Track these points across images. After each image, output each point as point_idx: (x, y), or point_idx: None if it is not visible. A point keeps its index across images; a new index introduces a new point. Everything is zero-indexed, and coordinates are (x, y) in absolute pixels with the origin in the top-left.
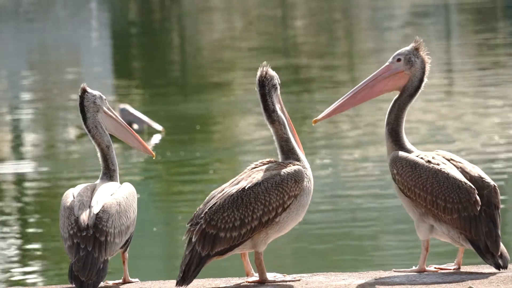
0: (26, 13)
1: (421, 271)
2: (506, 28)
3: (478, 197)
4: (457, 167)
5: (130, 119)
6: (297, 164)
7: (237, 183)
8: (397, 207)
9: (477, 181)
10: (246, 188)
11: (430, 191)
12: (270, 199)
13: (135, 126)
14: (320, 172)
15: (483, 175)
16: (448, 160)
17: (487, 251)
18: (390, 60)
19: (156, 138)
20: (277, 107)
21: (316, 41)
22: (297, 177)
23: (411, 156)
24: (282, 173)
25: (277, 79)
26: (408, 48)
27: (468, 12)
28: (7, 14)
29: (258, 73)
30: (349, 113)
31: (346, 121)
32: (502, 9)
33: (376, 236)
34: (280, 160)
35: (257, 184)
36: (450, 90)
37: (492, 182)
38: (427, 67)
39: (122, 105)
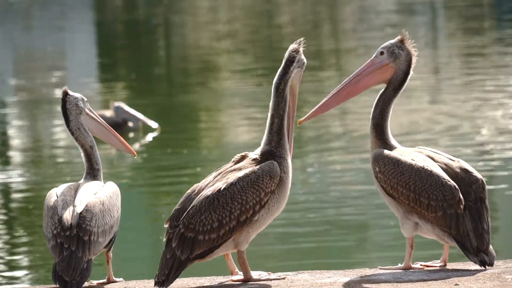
0: (14, 14)
1: (407, 268)
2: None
3: (461, 196)
4: (442, 163)
5: (125, 117)
6: (272, 158)
7: (212, 185)
8: (382, 204)
9: (464, 177)
10: (222, 189)
11: (413, 188)
12: (246, 197)
13: (130, 124)
14: (307, 169)
15: (470, 168)
16: (431, 157)
17: (472, 249)
18: (374, 54)
19: (150, 136)
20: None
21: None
22: (272, 173)
23: (393, 154)
24: (256, 170)
25: (305, 61)
26: (392, 40)
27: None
28: None
29: (295, 44)
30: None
31: (335, 116)
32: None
33: (362, 233)
34: (262, 143)
35: (232, 184)
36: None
37: (479, 176)
38: (413, 60)
39: (117, 103)
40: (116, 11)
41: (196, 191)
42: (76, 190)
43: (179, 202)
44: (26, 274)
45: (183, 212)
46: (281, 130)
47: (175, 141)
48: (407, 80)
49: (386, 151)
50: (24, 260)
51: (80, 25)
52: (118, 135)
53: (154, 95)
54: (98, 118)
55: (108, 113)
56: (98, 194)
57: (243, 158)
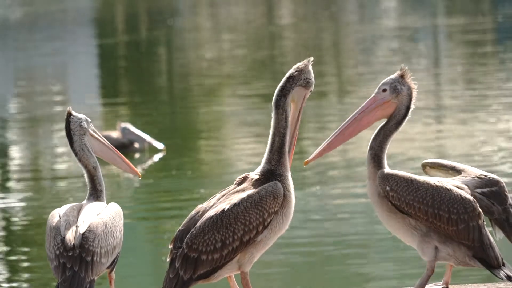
0: (14, 32)
1: None
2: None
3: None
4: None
5: (131, 138)
6: (273, 178)
7: (216, 206)
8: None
9: (483, 180)
10: (225, 209)
11: (431, 203)
12: (250, 218)
13: (136, 145)
14: (308, 190)
15: (484, 172)
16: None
17: (497, 262)
18: (376, 91)
19: (156, 157)
20: (289, 100)
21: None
22: (275, 193)
23: (402, 172)
24: (260, 191)
25: (312, 80)
26: (393, 76)
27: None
28: None
29: (301, 63)
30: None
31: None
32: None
33: (365, 256)
34: (263, 161)
35: (236, 205)
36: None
37: (497, 177)
38: (414, 94)
39: (124, 124)
40: (118, 32)
41: (200, 212)
42: (79, 210)
43: (182, 223)
44: None
45: (187, 233)
46: (281, 149)
47: (179, 163)
48: (409, 114)
49: (392, 170)
50: (26, 280)
51: (81, 46)
52: (122, 156)
53: (157, 115)
54: (102, 139)
55: (115, 134)
56: (101, 215)
57: (244, 179)
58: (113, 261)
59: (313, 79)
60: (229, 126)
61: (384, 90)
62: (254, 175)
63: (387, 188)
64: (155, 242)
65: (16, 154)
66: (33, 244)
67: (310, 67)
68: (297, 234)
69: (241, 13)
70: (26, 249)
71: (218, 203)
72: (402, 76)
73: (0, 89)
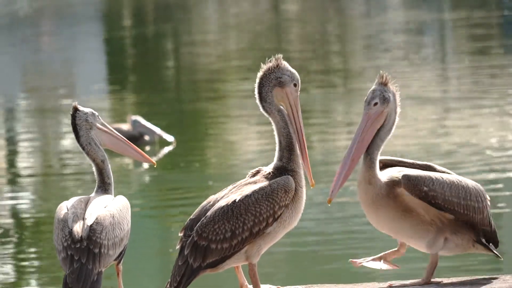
0: (21, 26)
1: (427, 283)
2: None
3: None
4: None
5: (141, 131)
6: (286, 173)
7: (227, 197)
8: None
9: (423, 166)
10: (236, 200)
11: (463, 196)
12: (260, 210)
13: (147, 138)
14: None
15: (417, 162)
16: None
17: (497, 244)
18: (365, 108)
19: (167, 149)
20: (275, 101)
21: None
22: (287, 187)
23: (423, 172)
24: (272, 183)
25: (285, 77)
26: (375, 87)
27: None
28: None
29: (268, 64)
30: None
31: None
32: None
33: (371, 248)
34: (275, 159)
35: (247, 196)
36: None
37: (429, 163)
38: (398, 96)
39: (134, 117)
40: (125, 26)
41: (211, 202)
42: (86, 203)
43: (194, 213)
44: (37, 286)
45: (197, 222)
46: (289, 147)
47: (188, 155)
48: (397, 118)
49: (413, 172)
50: (34, 273)
51: (89, 39)
52: (134, 146)
53: (166, 108)
54: (112, 131)
55: (125, 126)
56: (108, 207)
57: (257, 172)
58: (121, 253)
59: (287, 76)
60: (238, 119)
61: (375, 104)
62: (267, 169)
63: (425, 188)
64: (163, 234)
65: (24, 147)
66: (41, 238)
67: (283, 64)
68: (305, 229)
69: (249, 6)
70: (35, 243)
71: (230, 193)
72: (384, 84)
73: (8, 83)
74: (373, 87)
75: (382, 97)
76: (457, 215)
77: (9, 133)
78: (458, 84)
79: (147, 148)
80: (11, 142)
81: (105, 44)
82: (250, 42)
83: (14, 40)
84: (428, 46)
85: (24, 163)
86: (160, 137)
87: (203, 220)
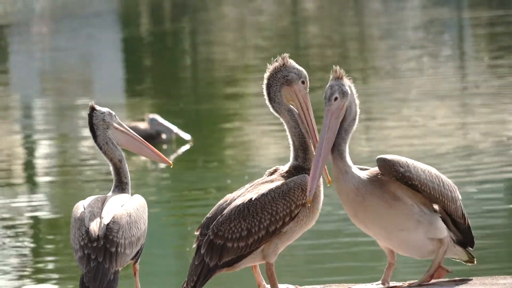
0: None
1: (439, 267)
2: None
3: None
4: None
5: (159, 129)
6: (303, 172)
7: (244, 195)
8: None
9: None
10: (253, 198)
11: (437, 182)
12: (277, 208)
13: (164, 136)
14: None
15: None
16: None
17: (472, 241)
18: (326, 104)
19: (184, 148)
20: (284, 100)
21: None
22: (304, 186)
23: (399, 156)
24: (288, 182)
25: (292, 75)
26: (332, 83)
27: None
28: (18, 27)
29: (274, 63)
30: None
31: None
32: None
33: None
34: (291, 158)
35: (263, 195)
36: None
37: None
38: (354, 89)
39: (151, 115)
40: (142, 23)
41: (228, 201)
42: (103, 202)
43: (210, 211)
44: (54, 285)
45: (214, 221)
46: (303, 145)
47: (205, 153)
48: (358, 109)
49: (386, 156)
50: (51, 272)
51: (106, 38)
52: (151, 146)
53: (183, 106)
54: (129, 130)
55: (142, 125)
56: (125, 206)
57: (275, 171)
58: (137, 252)
59: (293, 73)
60: (257, 117)
61: (336, 98)
62: (285, 168)
63: (401, 169)
64: (180, 232)
65: (41, 146)
66: (59, 237)
67: (289, 62)
68: (323, 228)
69: (267, 4)
70: (52, 242)
71: (246, 192)
72: (340, 78)
73: (25, 81)
74: (330, 83)
75: (340, 91)
76: (433, 200)
77: (26, 131)
78: (477, 81)
79: (164, 146)
80: (28, 141)
81: (122, 43)
82: (268, 40)
83: (31, 38)
84: (447, 44)
85: (42, 162)
86: (177, 135)
87: (219, 218)
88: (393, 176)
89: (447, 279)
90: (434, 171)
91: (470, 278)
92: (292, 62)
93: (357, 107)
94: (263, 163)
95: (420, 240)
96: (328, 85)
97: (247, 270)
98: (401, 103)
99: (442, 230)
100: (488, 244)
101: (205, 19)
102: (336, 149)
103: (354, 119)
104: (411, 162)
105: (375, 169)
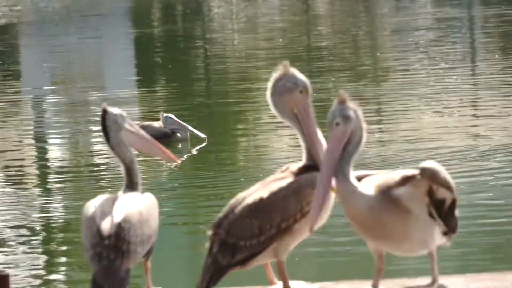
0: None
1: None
2: None
3: None
4: None
5: (173, 128)
6: (316, 170)
7: (255, 194)
8: None
9: None
10: (263, 197)
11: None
12: (288, 206)
13: (179, 135)
14: None
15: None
16: None
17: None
18: (329, 130)
19: (198, 146)
20: (288, 108)
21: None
22: (314, 183)
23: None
24: (299, 179)
25: (293, 83)
26: (334, 108)
27: None
28: (31, 25)
29: (277, 71)
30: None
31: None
32: None
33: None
34: (303, 159)
35: (274, 193)
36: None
37: None
38: (360, 112)
39: (166, 114)
40: (154, 22)
41: (239, 200)
42: (113, 201)
43: (222, 211)
44: (66, 284)
45: (226, 220)
46: (313, 150)
47: (220, 152)
48: (365, 134)
49: (426, 163)
50: (62, 271)
51: (117, 35)
52: (161, 145)
53: (197, 105)
54: (139, 131)
55: (157, 124)
56: (136, 205)
57: (286, 170)
58: (149, 250)
59: (291, 83)
60: (271, 116)
61: (337, 124)
62: (296, 166)
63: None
64: (193, 231)
65: (53, 144)
66: (69, 236)
67: (289, 71)
68: (334, 224)
69: (278, 2)
70: (63, 241)
71: (257, 190)
72: (342, 102)
73: (38, 77)
74: (332, 108)
75: (342, 116)
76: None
77: (38, 128)
78: (489, 80)
79: (179, 145)
80: (40, 138)
81: (135, 41)
82: (280, 38)
83: (44, 35)
84: (458, 42)
85: (53, 160)
86: (192, 134)
87: (230, 217)
88: (439, 184)
89: (456, 275)
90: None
91: (480, 273)
92: (292, 71)
93: (363, 131)
94: (277, 161)
95: (424, 247)
96: (330, 110)
97: (258, 267)
98: (415, 100)
99: (435, 240)
100: (500, 239)
101: (216, 16)
102: (341, 172)
103: (359, 143)
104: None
105: (383, 182)
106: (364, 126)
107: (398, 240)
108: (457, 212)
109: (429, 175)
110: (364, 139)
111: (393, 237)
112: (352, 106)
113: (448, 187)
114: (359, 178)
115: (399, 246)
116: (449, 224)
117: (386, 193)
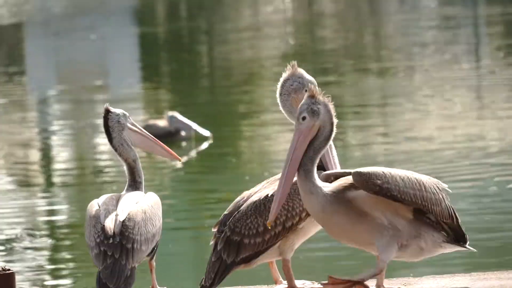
0: (54, 25)
1: (360, 282)
2: None
3: None
4: None
5: (178, 126)
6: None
7: (260, 192)
8: None
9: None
10: (269, 195)
11: (418, 187)
12: (293, 204)
13: (183, 133)
14: None
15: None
16: None
17: (464, 237)
18: (296, 124)
19: (203, 145)
20: (295, 108)
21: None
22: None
23: (372, 167)
24: None
25: (300, 83)
26: (303, 102)
27: None
28: (35, 26)
29: (285, 72)
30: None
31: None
32: None
33: None
34: None
35: None
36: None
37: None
38: (331, 107)
39: (171, 113)
40: (159, 20)
41: (245, 197)
42: (117, 200)
43: (228, 208)
44: (71, 283)
45: (231, 217)
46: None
47: (224, 150)
48: (334, 129)
49: (363, 168)
50: (67, 269)
51: (122, 34)
52: (161, 143)
53: (201, 103)
54: (141, 130)
55: (161, 122)
56: (140, 203)
57: None
58: (153, 249)
59: (297, 83)
60: (275, 114)
61: (304, 118)
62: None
63: (378, 182)
64: (197, 229)
65: (57, 143)
66: (74, 236)
67: (297, 71)
68: None
69: (281, 2)
70: (67, 241)
71: (263, 188)
72: (312, 97)
73: (43, 76)
74: (302, 101)
75: (310, 110)
76: (416, 207)
77: (42, 126)
78: (493, 77)
79: (184, 143)
80: (45, 136)
81: (139, 39)
82: (285, 38)
83: (49, 34)
84: (462, 41)
85: (58, 159)
86: (197, 132)
87: (235, 215)
88: (370, 190)
89: (463, 274)
90: (414, 175)
91: (486, 272)
92: (299, 71)
93: (334, 126)
94: (282, 159)
95: (376, 252)
96: (299, 104)
97: (263, 266)
98: (420, 99)
99: (391, 254)
100: (507, 238)
101: (222, 15)
102: (302, 169)
103: (327, 139)
104: (388, 171)
105: (343, 182)
106: (335, 121)
107: (354, 240)
108: (458, 221)
109: (355, 181)
110: (333, 135)
111: (348, 237)
112: (322, 100)
113: (385, 194)
114: (337, 176)
115: (358, 246)
116: (455, 232)
117: (340, 194)
